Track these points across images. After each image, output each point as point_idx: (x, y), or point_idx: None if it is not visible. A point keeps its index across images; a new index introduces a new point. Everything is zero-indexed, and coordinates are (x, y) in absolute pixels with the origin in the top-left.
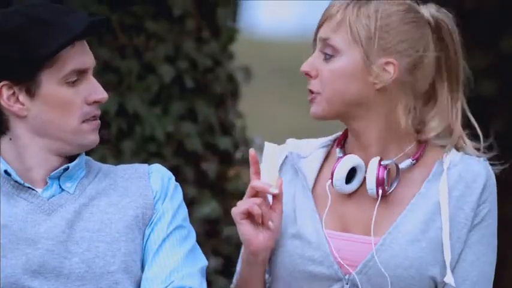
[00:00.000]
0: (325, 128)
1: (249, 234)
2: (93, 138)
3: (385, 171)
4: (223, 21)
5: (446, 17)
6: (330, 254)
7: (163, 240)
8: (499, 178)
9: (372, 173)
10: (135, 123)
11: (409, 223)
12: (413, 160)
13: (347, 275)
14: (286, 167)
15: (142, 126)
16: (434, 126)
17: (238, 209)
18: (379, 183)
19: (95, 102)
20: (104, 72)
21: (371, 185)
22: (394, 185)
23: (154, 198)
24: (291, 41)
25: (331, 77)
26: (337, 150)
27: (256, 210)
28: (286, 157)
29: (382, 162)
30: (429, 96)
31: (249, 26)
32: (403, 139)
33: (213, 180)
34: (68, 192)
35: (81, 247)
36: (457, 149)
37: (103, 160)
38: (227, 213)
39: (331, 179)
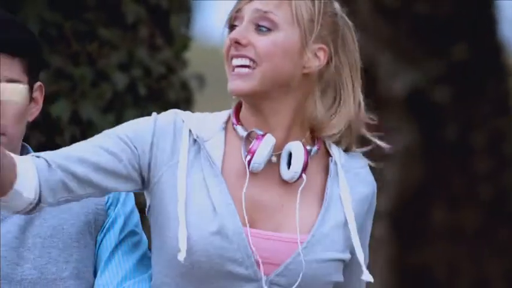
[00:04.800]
0: None
1: None
2: None
3: (308, 156)
4: (177, 28)
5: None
6: (252, 255)
7: (116, 246)
8: (451, 188)
9: (299, 156)
10: (88, 130)
11: (326, 225)
12: (318, 149)
13: (265, 276)
14: (189, 144)
15: (95, 133)
16: (335, 124)
17: None
18: (305, 167)
19: None
20: (56, 80)
21: (297, 167)
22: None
23: (106, 203)
24: None
25: (272, 49)
26: (239, 128)
27: None
28: (190, 132)
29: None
30: (333, 95)
31: (202, 34)
32: (304, 127)
33: None
34: None
35: (33, 253)
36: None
37: None
38: None
39: (251, 156)
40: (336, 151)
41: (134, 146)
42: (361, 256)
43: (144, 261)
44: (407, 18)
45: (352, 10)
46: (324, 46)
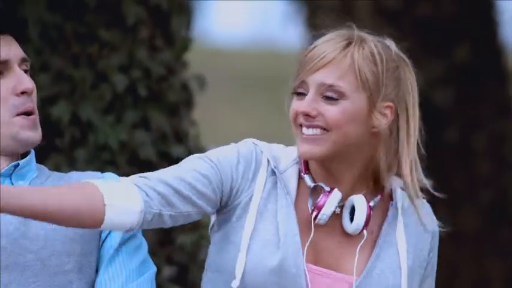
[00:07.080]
0: (281, 136)
1: None
2: (29, 135)
3: (371, 210)
4: (177, 30)
5: (403, 54)
6: None
7: (120, 245)
8: (452, 191)
9: (361, 211)
10: (88, 131)
11: (378, 268)
12: (380, 199)
13: None
14: (267, 174)
15: (95, 134)
16: (405, 172)
17: None
18: (367, 223)
19: (23, 93)
20: (57, 81)
21: (359, 223)
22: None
23: None
24: (244, 50)
25: (341, 119)
26: (307, 177)
27: None
28: (268, 162)
29: (370, 204)
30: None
31: (202, 35)
32: (369, 177)
33: None
34: None
35: (36, 245)
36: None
37: (57, 168)
38: None
39: (317, 212)
40: (400, 194)
41: (221, 173)
42: None
43: (145, 264)
44: (409, 20)
45: (352, 11)
46: (390, 104)
